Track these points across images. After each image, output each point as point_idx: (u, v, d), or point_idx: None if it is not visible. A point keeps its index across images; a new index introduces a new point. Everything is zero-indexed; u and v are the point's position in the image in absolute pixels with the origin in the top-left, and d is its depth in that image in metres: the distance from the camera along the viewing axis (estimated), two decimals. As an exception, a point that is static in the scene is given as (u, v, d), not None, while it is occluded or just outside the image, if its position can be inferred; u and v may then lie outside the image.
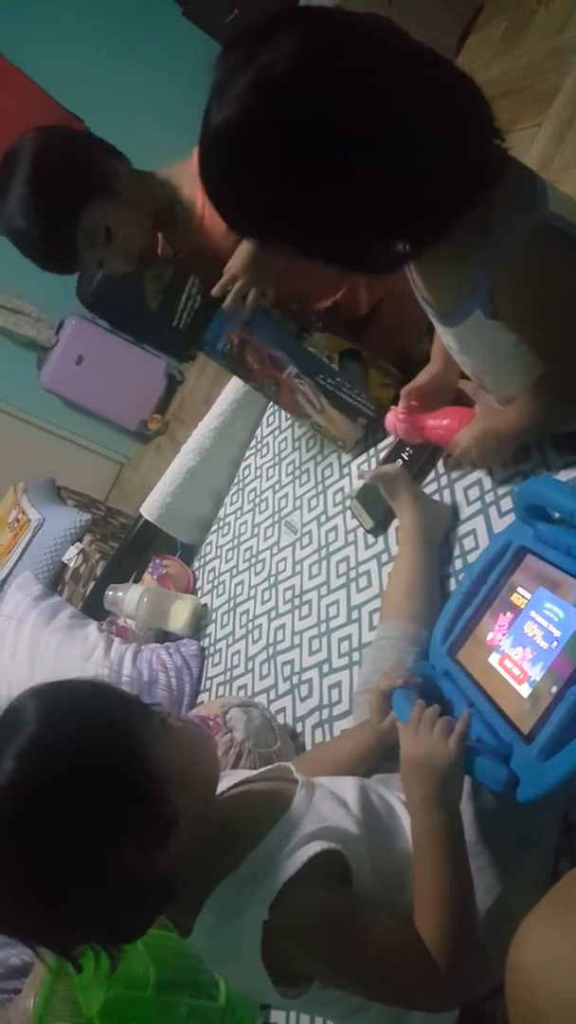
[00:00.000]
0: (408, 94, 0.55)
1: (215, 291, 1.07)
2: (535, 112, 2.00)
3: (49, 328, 3.33)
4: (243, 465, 1.51)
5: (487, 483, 0.94)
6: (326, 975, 0.60)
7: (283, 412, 1.38)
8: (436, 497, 1.00)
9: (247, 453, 1.51)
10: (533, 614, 0.68)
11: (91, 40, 2.95)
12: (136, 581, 1.54)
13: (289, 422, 1.40)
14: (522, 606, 0.70)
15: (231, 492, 1.51)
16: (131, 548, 1.65)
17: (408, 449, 1.05)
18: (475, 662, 0.72)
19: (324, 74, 0.54)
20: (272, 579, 1.25)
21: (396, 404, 0.99)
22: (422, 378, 0.96)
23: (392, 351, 1.16)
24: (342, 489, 1.20)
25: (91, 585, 1.94)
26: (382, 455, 1.14)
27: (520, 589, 0.71)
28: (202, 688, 1.29)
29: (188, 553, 1.55)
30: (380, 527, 1.07)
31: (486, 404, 0.92)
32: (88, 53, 2.93)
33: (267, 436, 1.47)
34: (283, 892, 0.57)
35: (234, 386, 1.46)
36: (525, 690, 0.64)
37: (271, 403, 1.36)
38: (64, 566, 2.10)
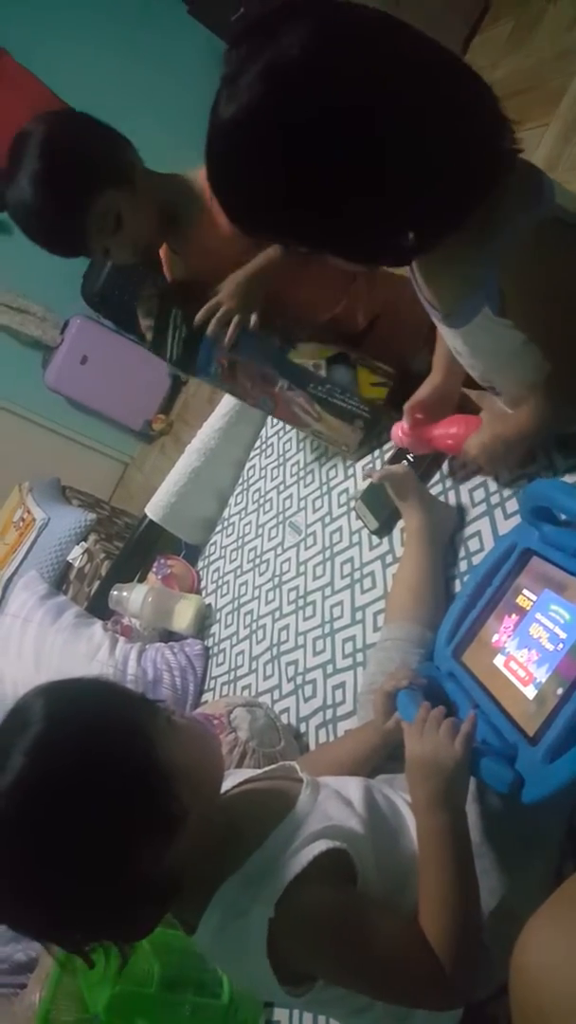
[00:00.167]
0: (419, 87, 0.55)
1: (199, 317, 1.09)
2: (542, 113, 1.99)
3: (54, 328, 3.34)
4: (247, 465, 1.51)
5: (492, 485, 0.94)
6: (331, 974, 0.60)
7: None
8: (441, 498, 1.00)
9: (252, 454, 1.51)
10: (539, 616, 0.68)
11: (96, 38, 2.95)
12: (141, 581, 1.54)
13: (293, 423, 1.40)
14: (527, 608, 0.70)
15: (235, 492, 1.51)
16: (136, 548, 1.65)
17: (414, 450, 1.05)
18: (480, 664, 0.72)
19: (336, 66, 0.54)
20: (276, 580, 1.25)
21: (391, 404, 0.99)
22: (424, 391, 0.96)
23: (391, 364, 1.16)
24: (346, 490, 1.20)
25: (96, 584, 1.94)
26: (387, 456, 1.14)
27: (525, 591, 0.71)
28: (206, 688, 1.30)
29: (192, 553, 1.55)
30: (384, 528, 1.07)
31: (493, 408, 0.92)
32: (93, 51, 2.94)
33: (271, 437, 1.47)
34: (289, 890, 0.57)
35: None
36: (530, 692, 0.64)
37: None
38: (69, 565, 2.11)
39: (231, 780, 0.72)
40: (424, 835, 0.61)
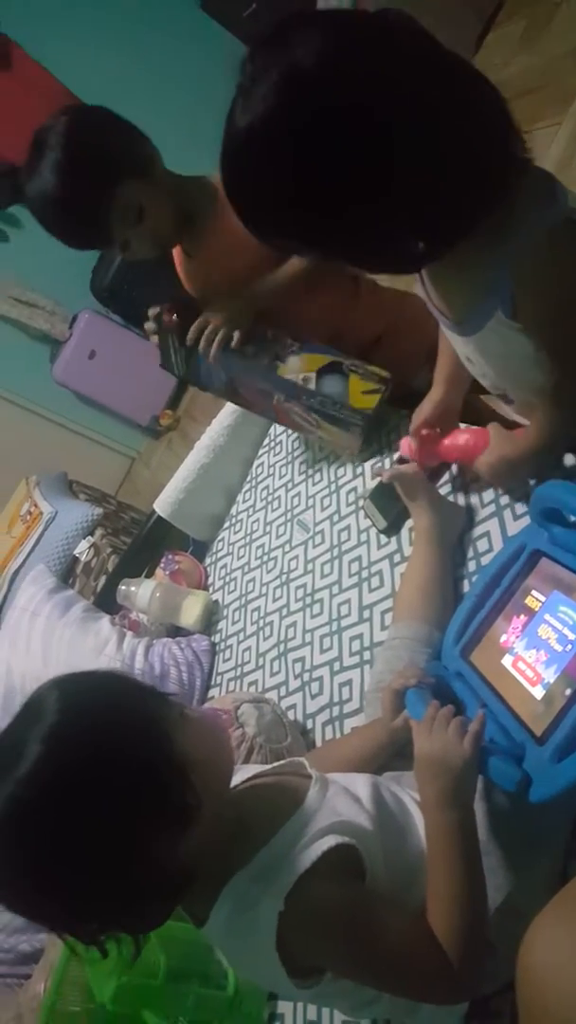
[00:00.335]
0: (433, 97, 0.56)
1: (189, 337, 1.14)
2: (554, 111, 1.99)
3: (63, 322, 3.35)
4: (256, 463, 1.51)
5: (502, 486, 0.94)
6: (339, 967, 0.61)
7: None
8: (450, 499, 1.00)
9: (260, 451, 1.52)
10: (547, 617, 0.68)
11: (109, 33, 2.96)
12: (148, 576, 1.55)
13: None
14: (536, 609, 0.70)
15: (244, 489, 1.52)
16: (144, 543, 1.66)
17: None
18: (488, 664, 0.73)
19: (349, 77, 0.54)
20: (284, 577, 1.25)
21: (385, 407, 1.00)
22: (427, 407, 0.98)
23: (395, 382, 1.18)
24: (355, 489, 1.21)
25: (102, 579, 1.95)
26: (396, 455, 1.14)
27: (534, 592, 0.72)
28: (212, 683, 1.30)
29: (200, 549, 1.56)
30: (393, 527, 1.07)
31: (506, 415, 0.93)
32: (106, 47, 2.94)
33: (280, 434, 1.47)
34: (299, 884, 0.58)
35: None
36: (538, 692, 0.64)
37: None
38: (76, 559, 2.12)
39: (240, 775, 0.73)
40: (433, 832, 0.62)
